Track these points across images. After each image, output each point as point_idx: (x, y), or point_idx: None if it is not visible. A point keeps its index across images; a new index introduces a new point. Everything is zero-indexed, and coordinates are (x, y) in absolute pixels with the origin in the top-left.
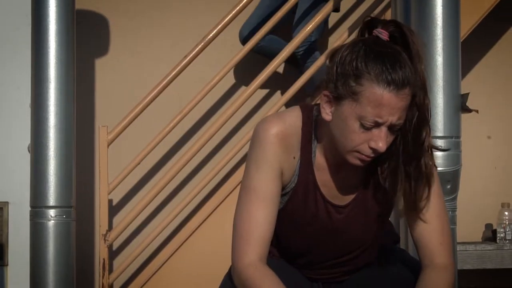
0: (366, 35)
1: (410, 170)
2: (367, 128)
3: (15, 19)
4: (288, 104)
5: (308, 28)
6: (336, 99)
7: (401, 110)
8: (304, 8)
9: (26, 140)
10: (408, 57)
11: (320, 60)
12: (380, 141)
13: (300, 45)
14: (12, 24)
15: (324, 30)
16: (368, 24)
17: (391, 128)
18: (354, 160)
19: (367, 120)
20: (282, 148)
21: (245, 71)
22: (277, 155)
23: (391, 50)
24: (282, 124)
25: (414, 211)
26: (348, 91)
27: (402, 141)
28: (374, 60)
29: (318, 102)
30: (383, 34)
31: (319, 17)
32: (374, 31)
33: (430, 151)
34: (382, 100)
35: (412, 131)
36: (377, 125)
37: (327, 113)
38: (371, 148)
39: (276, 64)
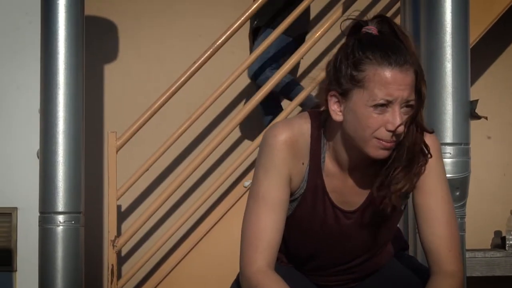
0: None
1: (399, 153)
2: (380, 110)
3: (15, 18)
4: (297, 110)
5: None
6: (343, 95)
7: (409, 87)
8: (277, 48)
9: (35, 145)
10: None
11: (306, 90)
12: (396, 122)
13: (276, 85)
14: (12, 24)
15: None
16: (356, 27)
17: (404, 106)
18: (376, 151)
19: (378, 101)
20: (290, 155)
21: None
22: (285, 161)
23: (384, 38)
24: (290, 130)
25: (383, 192)
26: (352, 81)
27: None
28: (370, 47)
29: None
30: (372, 30)
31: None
32: (363, 29)
33: (418, 135)
34: (387, 79)
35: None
36: (389, 103)
37: (337, 113)
38: (389, 131)
39: (286, 70)
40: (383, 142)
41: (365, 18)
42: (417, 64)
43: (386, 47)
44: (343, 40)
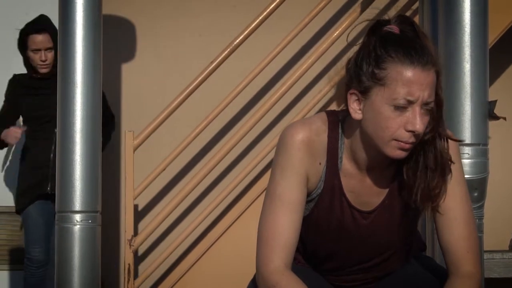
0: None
1: (428, 159)
2: (401, 111)
3: (15, 19)
4: (314, 111)
5: None
6: (364, 93)
7: (430, 86)
8: None
9: None
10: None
11: None
12: (415, 120)
13: None
14: (12, 24)
15: None
16: (376, 27)
17: (423, 107)
18: (394, 151)
19: (399, 101)
20: (307, 154)
21: (271, 78)
22: (302, 161)
23: (406, 37)
24: (308, 130)
25: (428, 203)
26: (374, 78)
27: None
28: (393, 45)
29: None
30: (394, 29)
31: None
32: (385, 28)
33: (445, 141)
34: (409, 77)
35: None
36: (410, 103)
37: (356, 112)
38: (408, 131)
39: (303, 70)
40: (402, 143)
41: (385, 17)
42: (438, 65)
43: (408, 46)
44: (361, 41)
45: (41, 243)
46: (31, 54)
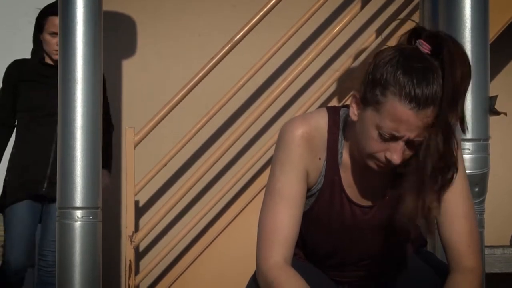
0: (413, 42)
1: (438, 182)
2: (384, 139)
3: (15, 19)
4: (315, 106)
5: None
6: (362, 103)
7: (420, 128)
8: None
9: None
10: (443, 73)
11: None
12: (395, 153)
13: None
14: (12, 25)
15: None
16: (414, 32)
17: (409, 143)
18: (371, 164)
19: (384, 131)
20: (307, 150)
21: (271, 73)
22: (302, 156)
23: (424, 65)
24: (307, 125)
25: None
26: (373, 99)
27: (429, 155)
28: (402, 74)
29: (346, 103)
30: (423, 46)
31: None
32: (418, 41)
33: (456, 163)
34: (401, 117)
35: (438, 147)
36: (394, 138)
37: (354, 113)
38: (386, 158)
39: (303, 66)
40: (379, 163)
41: (421, 24)
42: (446, 103)
43: (416, 77)
44: (361, 37)
45: (23, 247)
46: (47, 37)
